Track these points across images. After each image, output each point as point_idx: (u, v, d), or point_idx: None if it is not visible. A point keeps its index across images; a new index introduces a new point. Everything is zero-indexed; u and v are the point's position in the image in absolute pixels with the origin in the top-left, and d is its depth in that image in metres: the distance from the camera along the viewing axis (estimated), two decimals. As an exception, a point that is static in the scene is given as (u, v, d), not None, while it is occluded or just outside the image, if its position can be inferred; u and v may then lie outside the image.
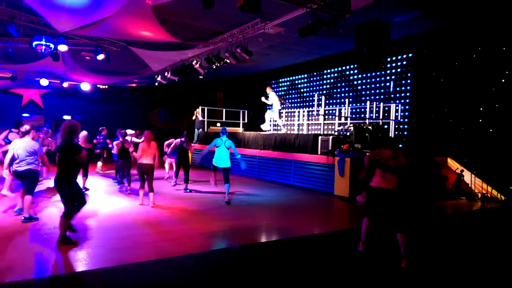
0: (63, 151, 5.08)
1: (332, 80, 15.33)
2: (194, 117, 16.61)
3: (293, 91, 17.52)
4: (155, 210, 7.39)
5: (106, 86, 20.10)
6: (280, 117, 14.42)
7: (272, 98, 13.71)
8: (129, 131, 11.20)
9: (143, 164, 7.60)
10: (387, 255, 5.05)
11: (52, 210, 7.08)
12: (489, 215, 8.54)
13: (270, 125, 15.06)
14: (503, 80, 9.83)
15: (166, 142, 10.93)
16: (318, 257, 4.96)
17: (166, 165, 11.87)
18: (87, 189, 9.30)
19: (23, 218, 6.18)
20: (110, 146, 11.74)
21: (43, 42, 9.66)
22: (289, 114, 17.11)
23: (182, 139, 9.94)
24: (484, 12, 9.34)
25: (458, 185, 10.20)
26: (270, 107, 14.56)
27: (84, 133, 8.63)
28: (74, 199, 5.14)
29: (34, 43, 9.59)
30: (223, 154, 8.36)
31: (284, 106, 16.63)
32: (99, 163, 12.94)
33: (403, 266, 4.59)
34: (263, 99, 14.23)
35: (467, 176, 10.35)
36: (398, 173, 4.76)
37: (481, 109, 10.25)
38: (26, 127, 6.53)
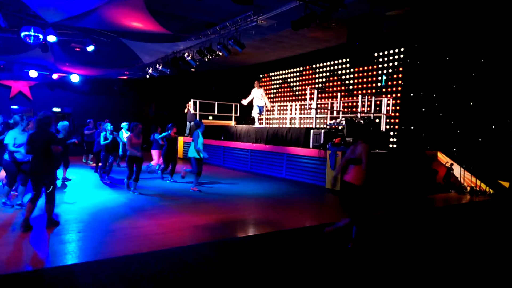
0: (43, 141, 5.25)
1: (324, 74, 15.34)
2: (186, 110, 16.48)
3: (286, 85, 17.48)
4: (145, 202, 7.35)
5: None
6: (261, 113, 13.89)
7: (254, 94, 13.48)
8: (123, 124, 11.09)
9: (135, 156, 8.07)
10: (377, 250, 5.11)
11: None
12: (477, 208, 8.66)
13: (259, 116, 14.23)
14: (494, 76, 9.92)
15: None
16: (308, 249, 4.99)
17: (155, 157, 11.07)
18: (68, 180, 9.34)
19: None
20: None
21: (31, 33, 9.49)
22: (282, 107, 17.10)
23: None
24: (477, 9, 9.40)
25: (448, 178, 10.33)
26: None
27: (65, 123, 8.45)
28: (51, 187, 5.35)
29: (23, 33, 9.42)
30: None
31: (276, 100, 16.48)
32: (90, 155, 12.90)
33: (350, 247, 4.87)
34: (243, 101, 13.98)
35: (457, 170, 10.48)
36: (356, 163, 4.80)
37: (471, 103, 10.36)
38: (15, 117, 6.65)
